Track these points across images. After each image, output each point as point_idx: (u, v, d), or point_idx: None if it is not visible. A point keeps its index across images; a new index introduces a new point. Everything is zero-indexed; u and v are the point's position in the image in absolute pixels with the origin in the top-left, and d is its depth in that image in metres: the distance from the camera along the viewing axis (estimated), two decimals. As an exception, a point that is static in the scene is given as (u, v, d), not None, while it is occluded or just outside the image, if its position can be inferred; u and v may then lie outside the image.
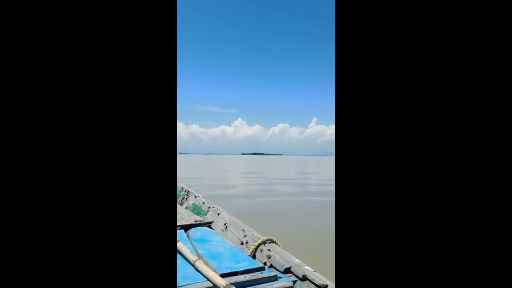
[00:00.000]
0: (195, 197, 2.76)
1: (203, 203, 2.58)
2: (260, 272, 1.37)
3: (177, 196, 2.98)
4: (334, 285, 1.21)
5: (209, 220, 2.24)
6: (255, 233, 1.82)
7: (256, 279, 1.31)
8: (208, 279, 1.26)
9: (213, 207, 2.40)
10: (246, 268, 1.39)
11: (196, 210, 2.58)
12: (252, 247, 1.68)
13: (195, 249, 1.65)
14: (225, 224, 2.09)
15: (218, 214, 2.25)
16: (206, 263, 1.44)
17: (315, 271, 1.33)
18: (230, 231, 2.01)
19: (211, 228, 2.14)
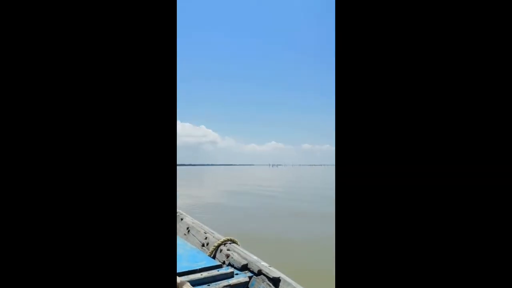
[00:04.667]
0: None
1: None
2: (217, 269, 1.39)
3: None
4: (286, 277, 1.28)
5: None
6: (216, 235, 1.84)
7: (213, 276, 1.33)
8: None
9: (177, 213, 2.38)
10: (203, 266, 1.40)
11: None
12: (212, 248, 1.67)
13: None
14: (187, 228, 2.10)
15: (182, 219, 2.24)
16: None
17: (270, 266, 1.39)
18: (192, 234, 2.02)
19: None
